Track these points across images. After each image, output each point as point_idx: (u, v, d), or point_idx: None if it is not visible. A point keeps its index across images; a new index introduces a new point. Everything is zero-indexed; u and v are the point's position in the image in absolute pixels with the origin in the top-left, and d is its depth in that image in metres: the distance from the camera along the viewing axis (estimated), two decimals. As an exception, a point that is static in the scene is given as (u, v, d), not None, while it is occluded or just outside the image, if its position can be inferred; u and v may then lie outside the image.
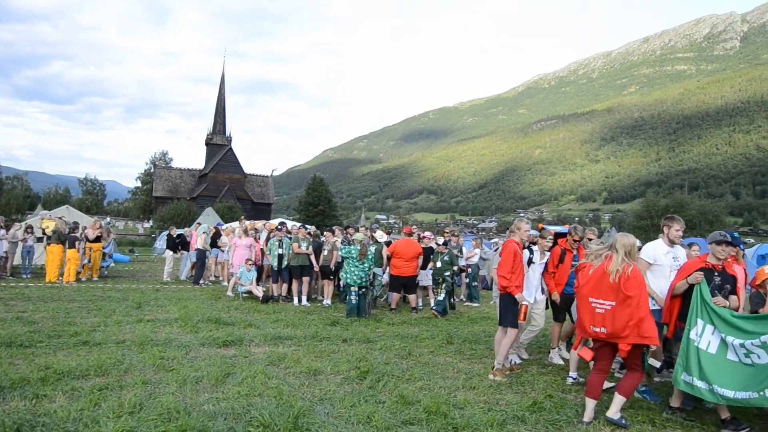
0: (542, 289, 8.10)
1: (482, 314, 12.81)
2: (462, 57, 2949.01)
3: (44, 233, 16.38)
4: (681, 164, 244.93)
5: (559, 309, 8.09)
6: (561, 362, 7.95)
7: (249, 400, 5.48)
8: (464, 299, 15.26)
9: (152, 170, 77.15)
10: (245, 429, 4.70)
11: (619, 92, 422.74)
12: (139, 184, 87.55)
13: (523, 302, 6.77)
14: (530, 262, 7.58)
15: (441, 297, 12.18)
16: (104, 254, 18.16)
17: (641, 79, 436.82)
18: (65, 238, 15.58)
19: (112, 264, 19.62)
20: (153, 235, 44.30)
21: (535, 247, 7.77)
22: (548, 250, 8.02)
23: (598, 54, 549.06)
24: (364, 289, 11.72)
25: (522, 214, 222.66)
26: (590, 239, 7.97)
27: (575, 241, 7.99)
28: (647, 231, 55.73)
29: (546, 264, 8.03)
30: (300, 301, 13.16)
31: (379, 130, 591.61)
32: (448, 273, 12.44)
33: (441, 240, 14.00)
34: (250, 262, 13.75)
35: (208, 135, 74.31)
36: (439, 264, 12.58)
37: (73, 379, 5.97)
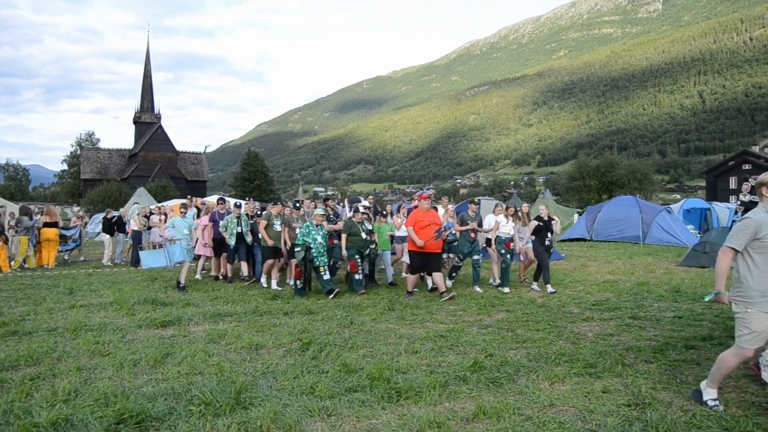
0: None
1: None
2: (394, 25, 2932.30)
3: None
4: (610, 125, 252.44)
5: None
6: None
7: (189, 379, 5.38)
8: (494, 283, 12.04)
9: (79, 152, 74.37)
10: (186, 408, 4.62)
11: (549, 57, 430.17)
12: (65, 167, 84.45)
13: None
14: None
15: (359, 276, 11.07)
16: (67, 238, 17.68)
17: (570, 43, 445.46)
18: None
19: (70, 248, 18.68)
20: (84, 219, 42.89)
21: None
22: None
23: (527, 19, 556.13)
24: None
25: (459, 181, 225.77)
26: None
27: None
28: (580, 191, 57.45)
29: None
30: (270, 283, 11.83)
31: (313, 102, 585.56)
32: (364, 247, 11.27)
33: (361, 207, 12.14)
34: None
35: (136, 113, 72.20)
36: (364, 235, 11.24)
37: (2, 370, 5.72)
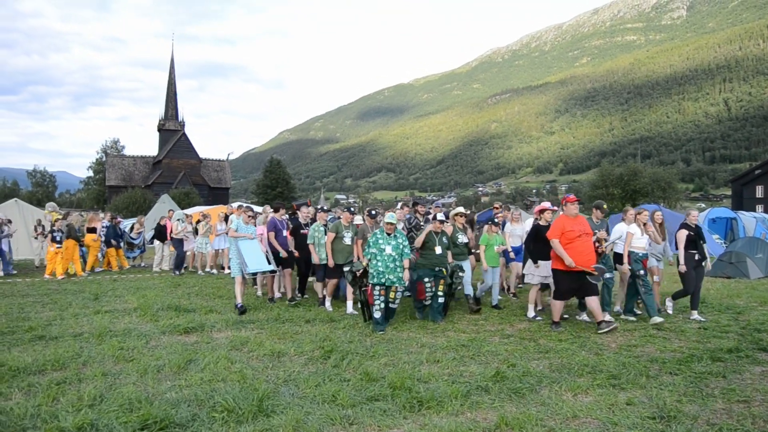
0: None
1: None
2: (415, 33, 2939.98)
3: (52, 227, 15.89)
4: (633, 133, 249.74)
5: None
6: None
7: (212, 386, 5.42)
8: (621, 311, 9.73)
9: (104, 159, 75.55)
10: (209, 415, 4.66)
11: (571, 64, 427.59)
12: (91, 173, 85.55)
13: None
14: None
15: (441, 299, 8.97)
16: (134, 245, 18.56)
17: (592, 50, 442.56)
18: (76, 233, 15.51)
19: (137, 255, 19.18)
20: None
21: None
22: None
23: (549, 27, 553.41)
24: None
25: (480, 189, 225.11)
26: None
27: None
28: (603, 200, 57.01)
29: None
30: (326, 304, 10.19)
31: (335, 110, 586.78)
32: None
33: (440, 215, 10.00)
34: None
35: (160, 121, 73.01)
36: (439, 250, 9.08)
37: (30, 375, 5.82)
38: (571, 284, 8.21)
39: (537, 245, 9.14)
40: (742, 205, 71.63)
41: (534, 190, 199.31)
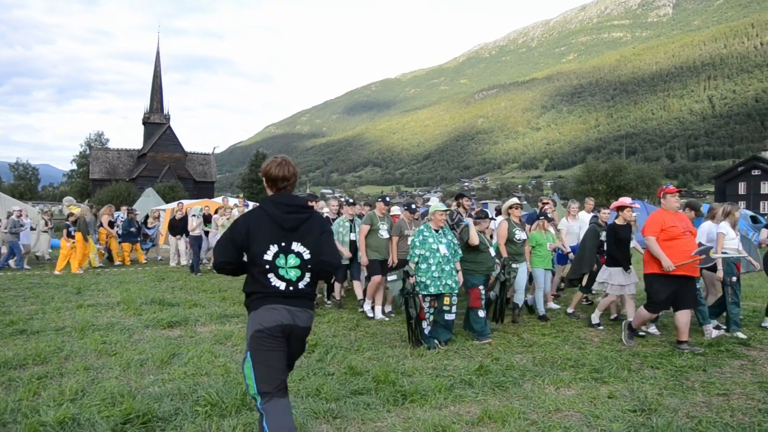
0: None
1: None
2: (403, 27, 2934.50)
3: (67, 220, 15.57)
4: (619, 129, 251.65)
5: None
6: None
7: (195, 380, 5.40)
8: (723, 328, 7.98)
9: (88, 152, 74.92)
10: (192, 409, 4.64)
11: (558, 60, 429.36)
12: (74, 166, 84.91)
13: None
14: None
15: (483, 313, 7.43)
16: (147, 237, 18.45)
17: (579, 46, 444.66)
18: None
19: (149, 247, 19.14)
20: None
21: None
22: None
23: (536, 23, 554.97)
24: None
25: (466, 184, 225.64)
26: None
27: None
28: (587, 196, 57.42)
29: None
30: (375, 310, 8.92)
31: (322, 104, 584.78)
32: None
33: (494, 211, 8.75)
34: None
35: (145, 114, 72.53)
36: (493, 252, 7.79)
37: (10, 369, 5.75)
38: (670, 290, 6.78)
39: (617, 249, 8.06)
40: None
41: (519, 186, 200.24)
